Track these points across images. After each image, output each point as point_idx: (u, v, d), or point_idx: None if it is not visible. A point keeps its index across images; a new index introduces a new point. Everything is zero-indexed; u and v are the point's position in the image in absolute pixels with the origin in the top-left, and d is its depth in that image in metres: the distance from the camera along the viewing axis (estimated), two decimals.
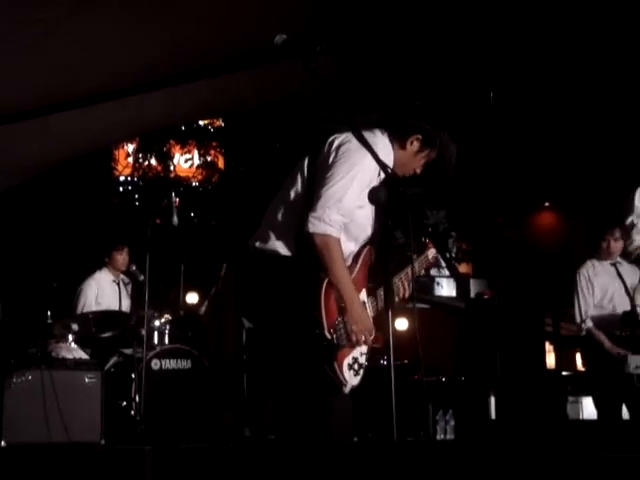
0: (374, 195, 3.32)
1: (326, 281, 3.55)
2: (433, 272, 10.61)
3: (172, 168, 14.23)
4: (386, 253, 3.39)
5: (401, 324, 9.26)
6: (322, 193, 3.57)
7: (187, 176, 14.41)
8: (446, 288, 10.81)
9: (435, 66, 7.03)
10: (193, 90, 7.02)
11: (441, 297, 10.57)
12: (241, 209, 12.14)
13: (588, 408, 8.01)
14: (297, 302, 3.56)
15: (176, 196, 8.63)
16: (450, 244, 11.65)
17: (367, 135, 3.55)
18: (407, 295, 3.97)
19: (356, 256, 3.79)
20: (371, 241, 3.79)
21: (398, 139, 3.84)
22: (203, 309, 7.60)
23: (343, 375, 3.57)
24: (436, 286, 10.89)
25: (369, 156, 3.33)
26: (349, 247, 3.71)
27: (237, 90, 7.27)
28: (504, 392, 7.62)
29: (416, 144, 3.85)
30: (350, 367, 3.60)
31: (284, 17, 5.10)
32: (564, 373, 9.63)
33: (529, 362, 8.32)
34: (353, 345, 3.61)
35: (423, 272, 4.30)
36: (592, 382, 6.91)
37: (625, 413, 6.66)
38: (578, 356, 8.66)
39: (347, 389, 3.61)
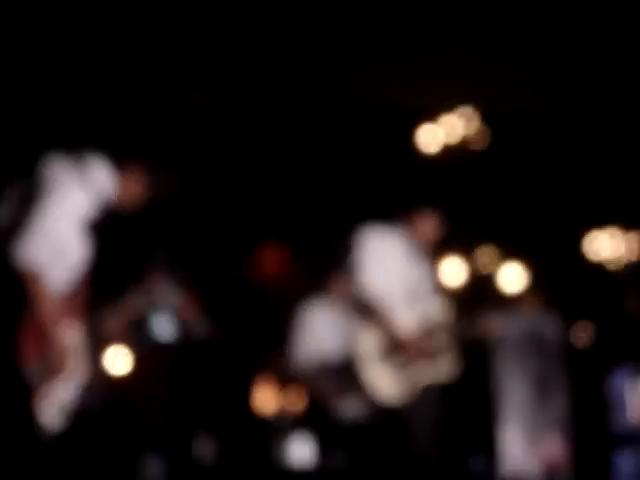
0: (90, 226, 3.23)
1: (26, 314, 3.31)
2: (150, 310, 10.38)
3: None
4: (97, 286, 3.29)
5: (115, 363, 8.91)
6: (30, 221, 3.40)
7: None
8: (166, 327, 10.59)
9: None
10: None
11: (157, 337, 10.34)
12: None
13: (302, 452, 8.07)
14: None
15: None
16: (174, 282, 11.46)
17: (83, 162, 3.40)
18: (121, 331, 3.90)
19: (67, 286, 3.58)
20: (86, 271, 3.61)
21: (118, 167, 3.75)
22: None
23: (42, 416, 3.34)
24: (152, 325, 10.60)
25: (83, 185, 3.21)
26: (58, 278, 3.50)
27: None
28: (218, 435, 7.53)
29: (135, 173, 3.78)
30: (51, 407, 3.41)
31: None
32: (280, 416, 9.67)
33: (244, 405, 8.29)
34: (55, 382, 3.39)
35: (144, 309, 4.24)
36: (308, 426, 6.98)
37: None
38: (295, 399, 8.72)
39: (48, 429, 3.39)
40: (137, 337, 9.37)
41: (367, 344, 5.19)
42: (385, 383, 5.14)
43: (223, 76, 7.33)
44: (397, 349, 5.17)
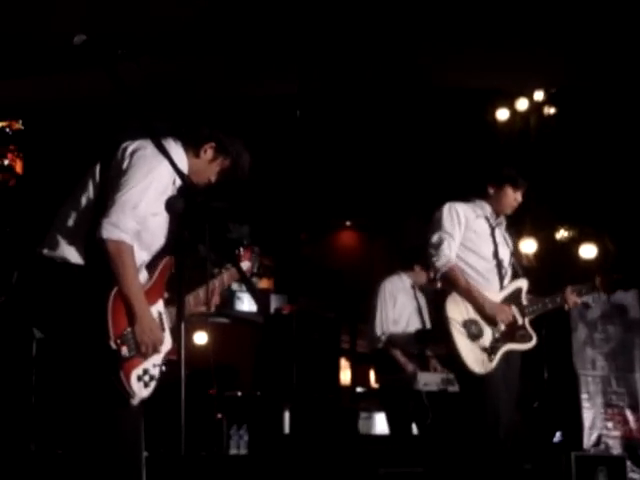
0: (171, 204, 3.25)
1: (115, 289, 3.47)
2: (234, 286, 10.60)
3: None
4: (181, 265, 3.35)
5: (200, 338, 9.16)
6: (116, 199, 3.50)
7: None
8: (247, 303, 10.81)
9: (240, 79, 7.07)
10: None
11: (241, 312, 10.56)
12: (39, 215, 11.73)
13: (381, 424, 8.19)
14: (84, 311, 3.45)
15: None
16: (253, 259, 11.64)
17: (163, 143, 3.49)
18: (213, 306, 3.93)
19: (152, 265, 3.73)
20: (168, 251, 3.73)
21: (192, 148, 3.83)
22: None
23: (131, 387, 3.48)
24: (237, 300, 10.88)
25: (165, 163, 3.29)
26: (141, 256, 3.64)
27: (37, 91, 7.05)
28: (299, 407, 7.68)
29: (210, 152, 3.86)
30: (139, 378, 3.53)
31: (87, 18, 4.99)
32: (358, 389, 9.81)
33: (324, 378, 8.42)
34: (143, 356, 3.54)
35: (231, 284, 4.27)
36: (384, 398, 7.07)
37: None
38: (372, 373, 8.84)
39: (135, 401, 3.53)
40: (220, 311, 9.63)
41: (454, 316, 5.20)
42: (470, 354, 5.16)
43: (304, 64, 7.44)
44: (484, 321, 5.20)
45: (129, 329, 3.50)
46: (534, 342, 5.32)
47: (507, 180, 5.45)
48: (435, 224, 5.39)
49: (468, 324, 5.18)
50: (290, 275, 10.28)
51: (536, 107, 9.78)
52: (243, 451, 7.52)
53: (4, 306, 7.34)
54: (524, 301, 5.36)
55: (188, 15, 5.61)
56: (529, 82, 9.19)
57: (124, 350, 3.48)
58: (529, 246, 9.55)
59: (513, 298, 5.36)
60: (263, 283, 11.84)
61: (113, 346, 3.44)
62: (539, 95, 9.67)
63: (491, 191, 5.49)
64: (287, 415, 7.84)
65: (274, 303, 10.47)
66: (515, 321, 5.27)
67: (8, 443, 6.61)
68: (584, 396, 8.47)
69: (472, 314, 5.21)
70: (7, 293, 7.35)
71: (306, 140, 9.86)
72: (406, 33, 6.90)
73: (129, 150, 3.64)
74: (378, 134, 10.31)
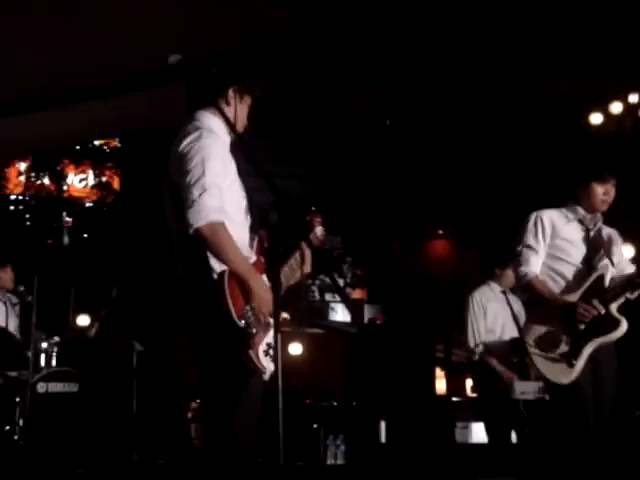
0: (265, 217, 3.32)
1: (227, 272, 3.51)
2: (328, 297, 10.65)
3: (65, 188, 13.97)
4: (277, 277, 3.39)
5: (294, 349, 9.24)
6: (187, 189, 3.56)
7: (81, 196, 14.16)
8: (340, 313, 10.86)
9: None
10: (88, 109, 6.94)
11: (335, 322, 10.62)
12: (136, 231, 11.99)
13: (477, 433, 8.12)
14: (204, 302, 3.53)
15: (69, 216, 8.44)
16: (345, 269, 11.73)
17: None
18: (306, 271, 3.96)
19: (250, 245, 3.76)
20: (256, 225, 3.77)
21: (221, 100, 3.85)
22: (93, 331, 7.47)
23: (261, 362, 3.53)
24: (330, 311, 10.97)
25: (205, 133, 3.43)
26: (235, 233, 3.64)
27: (133, 110, 7.21)
28: (395, 417, 7.66)
29: (235, 95, 3.88)
30: (266, 353, 3.56)
31: (179, 39, 5.09)
32: (454, 399, 9.74)
33: (420, 387, 8.39)
34: (265, 327, 3.56)
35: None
36: (482, 407, 7.02)
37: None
38: (468, 382, 8.75)
39: (267, 376, 3.57)
40: (316, 323, 9.69)
41: (528, 341, 5.15)
42: (550, 369, 5.10)
43: (392, 71, 7.45)
44: (560, 327, 5.13)
45: (247, 306, 3.53)
46: (624, 327, 5.16)
47: (591, 177, 5.37)
48: (518, 236, 5.35)
49: (541, 339, 5.11)
50: (383, 285, 10.32)
51: (631, 110, 9.61)
52: (340, 461, 7.55)
53: (106, 319, 7.55)
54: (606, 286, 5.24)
55: (278, 31, 5.69)
56: (622, 85, 9.05)
57: (248, 326, 3.50)
58: (626, 251, 9.34)
59: (593, 290, 5.23)
60: (356, 293, 11.90)
61: (240, 324, 3.47)
62: (634, 97, 9.51)
63: (579, 192, 5.42)
64: (383, 425, 7.84)
65: (368, 313, 10.50)
66: (598, 314, 5.14)
67: (112, 454, 6.77)
68: None
69: (547, 326, 5.13)
70: (109, 306, 7.59)
71: (397, 149, 9.86)
72: (498, 39, 6.87)
73: (175, 149, 3.71)
74: (470, 142, 10.25)
